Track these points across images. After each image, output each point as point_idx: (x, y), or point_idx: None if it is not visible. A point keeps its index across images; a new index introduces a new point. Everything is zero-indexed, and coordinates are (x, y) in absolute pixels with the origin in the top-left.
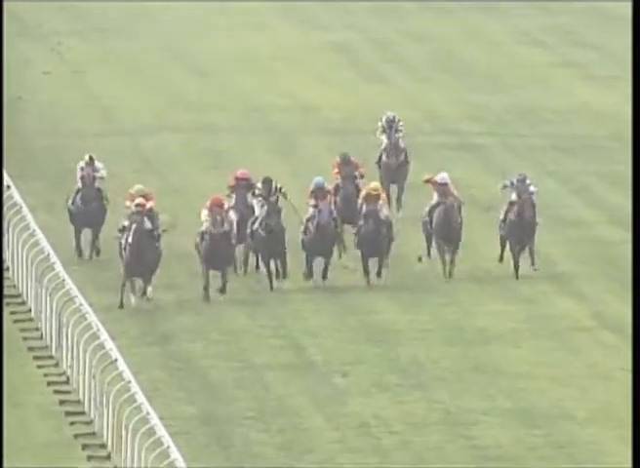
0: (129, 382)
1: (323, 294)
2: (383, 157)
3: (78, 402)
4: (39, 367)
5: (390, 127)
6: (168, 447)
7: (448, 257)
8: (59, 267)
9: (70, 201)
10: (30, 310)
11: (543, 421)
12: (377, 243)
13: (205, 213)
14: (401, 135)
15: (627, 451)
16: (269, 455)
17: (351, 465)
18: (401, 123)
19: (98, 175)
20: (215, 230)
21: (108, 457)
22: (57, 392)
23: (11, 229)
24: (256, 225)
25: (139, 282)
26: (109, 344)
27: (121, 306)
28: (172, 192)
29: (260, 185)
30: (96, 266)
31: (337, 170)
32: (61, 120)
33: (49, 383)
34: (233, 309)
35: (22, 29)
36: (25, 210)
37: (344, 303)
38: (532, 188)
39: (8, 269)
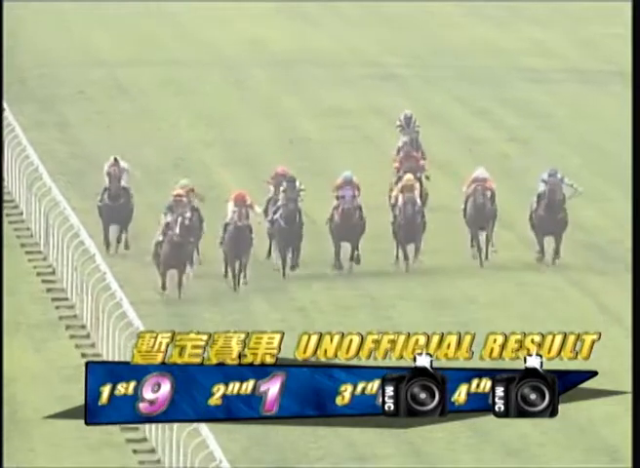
0: (104, 273)
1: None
2: (401, 153)
3: (62, 289)
4: (30, 260)
5: (408, 124)
6: (138, 328)
7: (482, 244)
8: (46, 177)
9: (99, 198)
10: (22, 213)
11: (450, 305)
12: (413, 229)
13: (231, 205)
14: (418, 131)
15: (517, 326)
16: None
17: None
18: (417, 122)
19: (124, 174)
20: (240, 223)
21: (87, 336)
22: (44, 281)
23: (5, 145)
24: (277, 215)
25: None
26: (88, 241)
27: (163, 288)
28: (141, 113)
29: (285, 183)
30: (78, 175)
31: (397, 164)
32: (49, 55)
33: (38, 274)
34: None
35: None
36: (18, 129)
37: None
38: (566, 180)
39: (2, 179)
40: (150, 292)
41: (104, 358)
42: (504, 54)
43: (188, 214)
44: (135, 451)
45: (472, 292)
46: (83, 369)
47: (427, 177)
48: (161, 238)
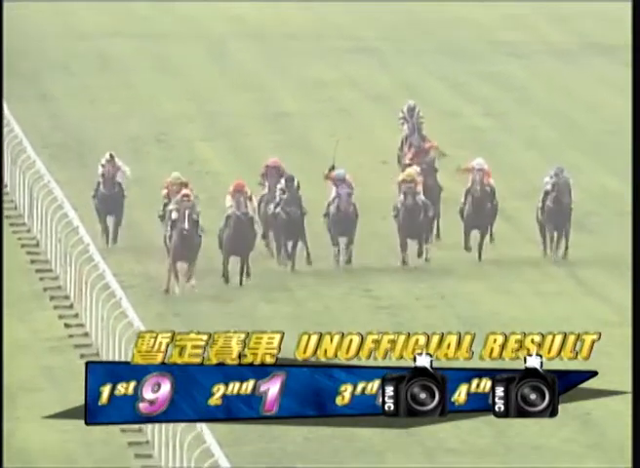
0: (88, 245)
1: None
2: (405, 146)
3: (46, 261)
4: (14, 232)
5: (412, 115)
6: (120, 298)
7: (478, 241)
8: (30, 150)
9: (92, 193)
10: (6, 185)
11: (428, 277)
12: (415, 222)
13: (229, 198)
14: (422, 121)
15: (499, 299)
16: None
17: (270, 312)
18: (421, 113)
19: (119, 172)
20: (239, 213)
21: (71, 306)
22: (29, 253)
23: None
24: (278, 209)
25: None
26: (72, 214)
27: (167, 291)
28: (124, 87)
29: (283, 181)
30: (61, 149)
31: (414, 158)
32: (33, 28)
33: (22, 246)
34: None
35: None
36: (2, 102)
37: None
38: (569, 178)
39: None
40: (133, 264)
41: (87, 329)
42: (481, 28)
43: (197, 209)
44: None
45: (448, 264)
46: (67, 340)
47: (444, 154)
48: (169, 232)
